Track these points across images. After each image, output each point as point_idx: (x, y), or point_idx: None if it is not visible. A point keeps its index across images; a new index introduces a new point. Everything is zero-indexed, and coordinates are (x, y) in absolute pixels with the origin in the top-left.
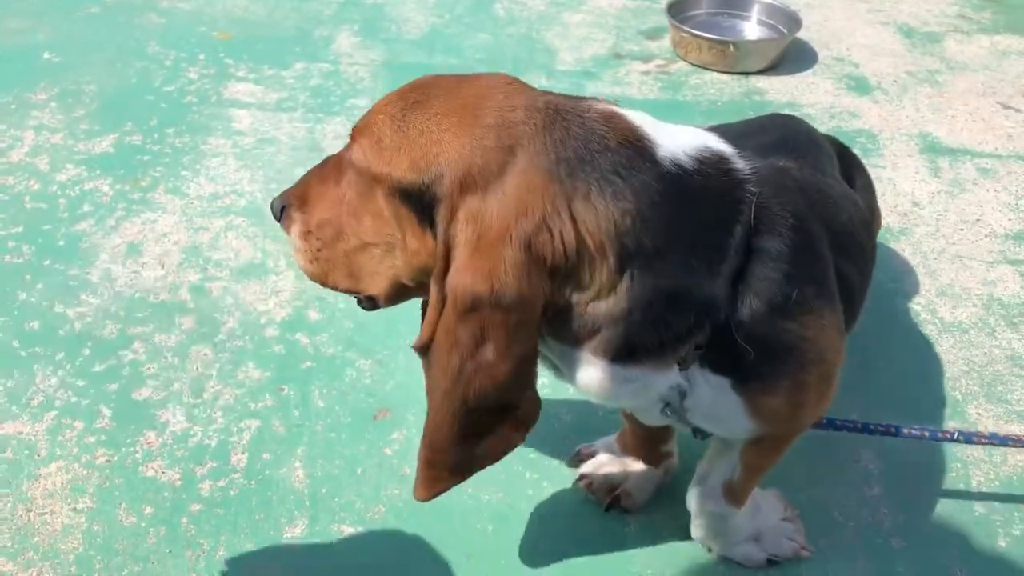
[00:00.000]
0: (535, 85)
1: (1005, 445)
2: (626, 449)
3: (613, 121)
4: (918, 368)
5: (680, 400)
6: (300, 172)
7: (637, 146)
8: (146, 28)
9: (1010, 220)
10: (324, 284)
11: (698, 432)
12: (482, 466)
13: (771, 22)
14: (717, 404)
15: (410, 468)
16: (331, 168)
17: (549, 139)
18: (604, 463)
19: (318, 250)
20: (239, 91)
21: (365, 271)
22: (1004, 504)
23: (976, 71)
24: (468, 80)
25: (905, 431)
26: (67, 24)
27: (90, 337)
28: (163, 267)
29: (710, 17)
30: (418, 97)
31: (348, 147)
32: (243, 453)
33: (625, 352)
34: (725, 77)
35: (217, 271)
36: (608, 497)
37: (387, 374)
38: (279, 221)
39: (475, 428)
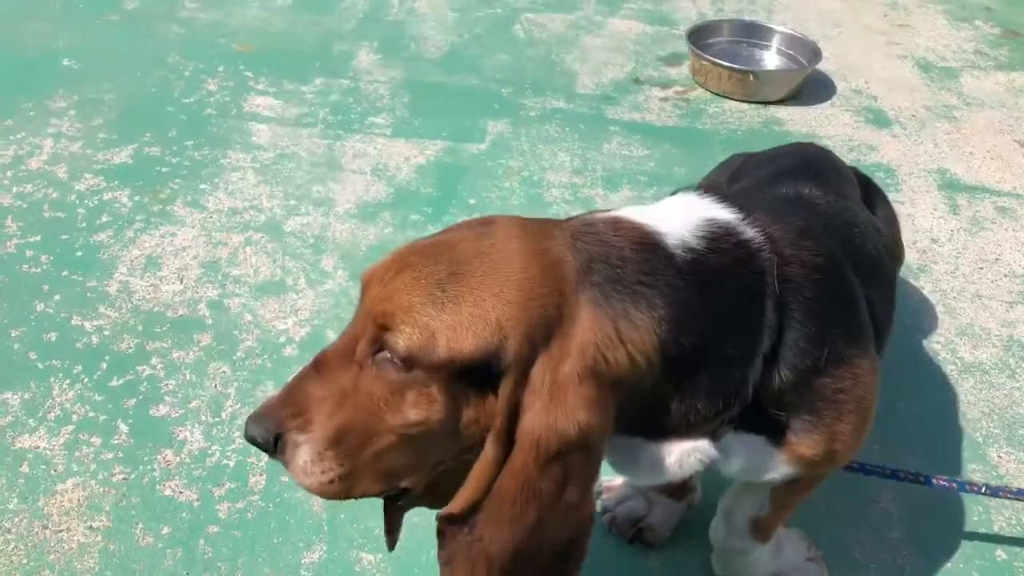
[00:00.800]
0: (554, 108)
1: (1020, 498)
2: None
3: (620, 227)
4: (939, 408)
5: (711, 463)
6: (320, 189)
7: (648, 245)
8: (166, 38)
9: (1012, 261)
10: (345, 498)
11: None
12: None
13: (791, 52)
14: (753, 458)
15: None
16: (334, 370)
17: (583, 270)
18: (627, 496)
19: (340, 465)
20: (259, 105)
21: (403, 466)
22: (1020, 548)
23: (993, 108)
24: (484, 235)
25: (935, 481)
26: (87, 31)
27: (108, 351)
28: (181, 281)
29: (730, 45)
30: (448, 269)
31: (352, 342)
32: (261, 475)
33: (658, 434)
34: (744, 106)
35: (236, 287)
36: (631, 531)
37: None
38: (271, 453)
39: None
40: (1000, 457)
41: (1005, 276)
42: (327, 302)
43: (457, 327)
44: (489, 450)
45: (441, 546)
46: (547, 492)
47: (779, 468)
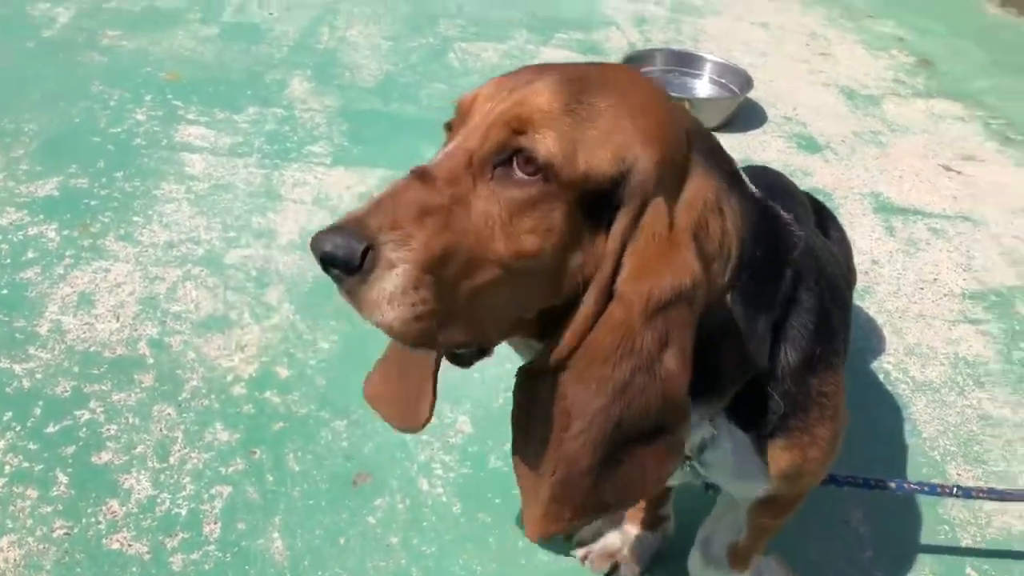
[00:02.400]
0: None
1: (1003, 499)
2: (623, 514)
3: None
4: (896, 428)
5: (699, 453)
6: (260, 220)
7: (735, 172)
8: (88, 66)
9: (964, 280)
10: (427, 345)
11: (709, 487)
12: (625, 503)
13: (722, 81)
14: (736, 459)
15: (396, 538)
16: (443, 182)
17: (696, 138)
18: (601, 529)
19: (433, 298)
20: (191, 134)
21: (498, 312)
22: (992, 563)
23: (916, 134)
24: (611, 67)
25: (906, 486)
26: (2, 59)
27: (41, 395)
28: (118, 319)
29: (663, 74)
30: (583, 84)
31: (466, 154)
32: (216, 523)
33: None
34: None
35: (177, 324)
36: (606, 564)
37: (365, 436)
38: (352, 270)
39: (621, 456)
40: (959, 474)
41: (944, 296)
42: (274, 337)
43: (596, 142)
44: (590, 299)
45: (519, 405)
46: (646, 350)
47: (759, 475)
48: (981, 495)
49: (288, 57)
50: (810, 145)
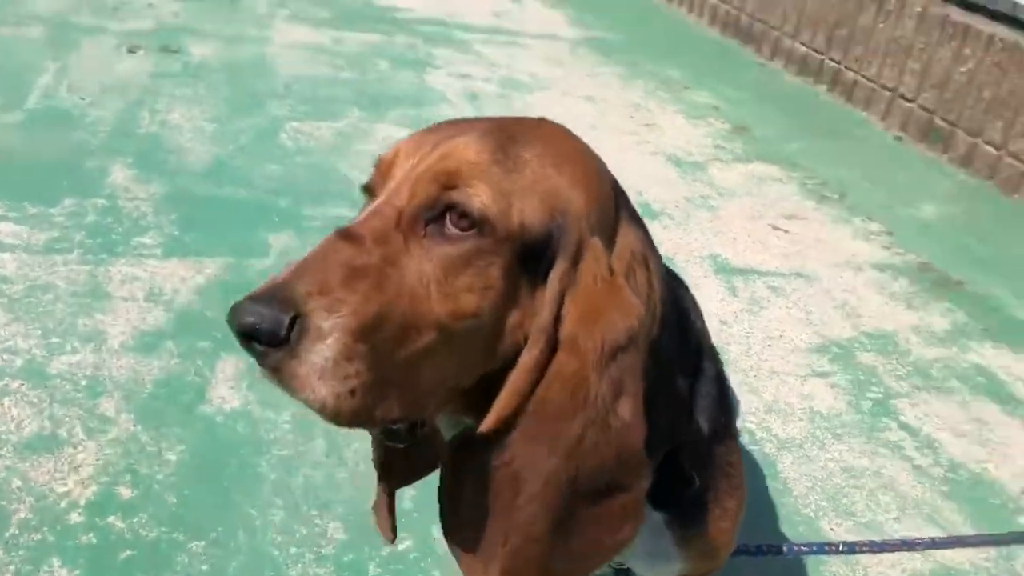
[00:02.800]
0: (339, 216)
1: (883, 551)
2: None
3: None
4: (767, 487)
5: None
6: (87, 322)
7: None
8: None
9: (807, 334)
10: (363, 423)
11: (619, 573)
12: (582, 570)
13: None
14: (650, 540)
15: None
16: (371, 241)
17: (625, 199)
18: None
19: (368, 369)
20: None
21: (434, 379)
22: None
23: (742, 196)
24: (533, 120)
25: (796, 548)
26: None
27: None
28: None
29: None
30: (507, 134)
31: (394, 211)
32: None
33: None
34: None
35: None
36: None
37: (227, 556)
38: (276, 344)
39: (577, 519)
40: (833, 529)
41: (792, 351)
42: (113, 453)
43: (527, 191)
44: (532, 353)
45: (453, 478)
46: (601, 401)
47: (673, 553)
48: (864, 548)
49: (106, 143)
50: (647, 212)
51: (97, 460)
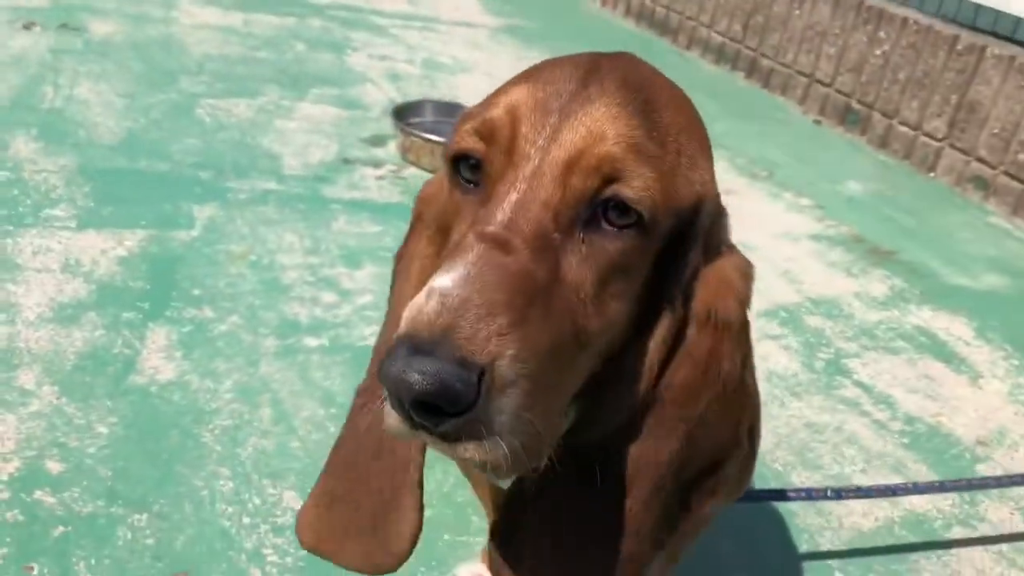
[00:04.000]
0: (266, 190)
1: (869, 496)
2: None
3: None
4: None
5: None
6: None
7: None
8: None
9: (756, 300)
10: (531, 470)
11: None
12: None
13: None
14: None
15: None
16: (529, 251)
17: None
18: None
19: (541, 413)
20: None
21: (567, 399)
22: (854, 563)
23: None
24: (640, 66)
25: (790, 493)
26: None
27: None
28: None
29: (435, 124)
30: (646, 97)
31: (545, 211)
32: None
33: None
34: None
35: None
36: None
37: (173, 528)
38: (469, 404)
39: (681, 503)
40: (802, 482)
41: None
42: (37, 426)
43: (678, 170)
44: (663, 331)
45: (558, 498)
46: (730, 377)
47: None
48: (850, 495)
49: (6, 116)
50: None
51: (19, 434)
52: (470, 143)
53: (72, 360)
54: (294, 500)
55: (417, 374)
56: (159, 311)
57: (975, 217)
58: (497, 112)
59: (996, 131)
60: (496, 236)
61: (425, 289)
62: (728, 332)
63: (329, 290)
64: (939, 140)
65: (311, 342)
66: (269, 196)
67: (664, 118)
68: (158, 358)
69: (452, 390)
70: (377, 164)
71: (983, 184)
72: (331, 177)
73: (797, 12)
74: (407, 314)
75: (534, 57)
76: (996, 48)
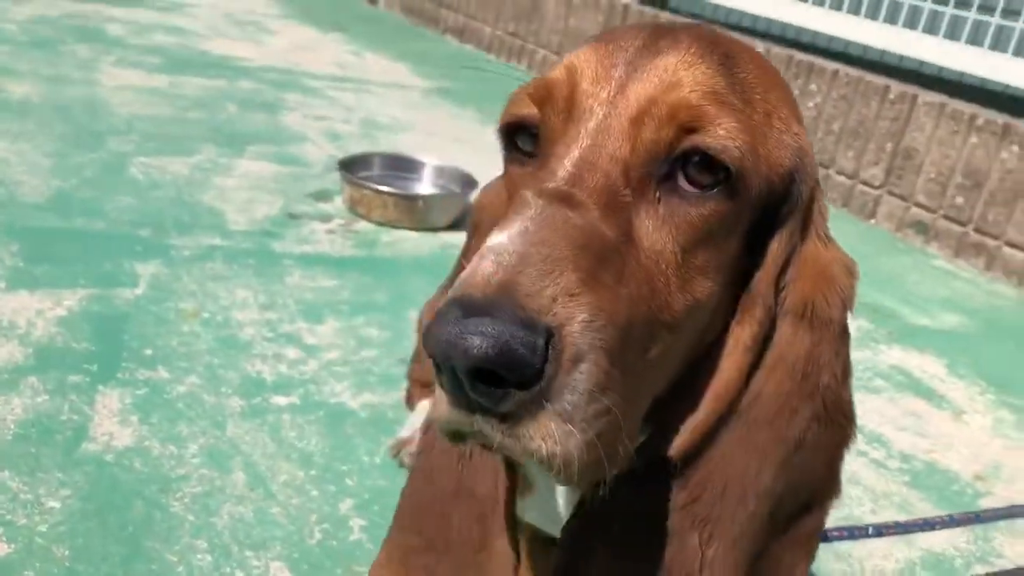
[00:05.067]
0: (212, 246)
1: (909, 532)
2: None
3: None
4: None
5: None
6: None
7: None
8: None
9: None
10: (599, 477)
11: None
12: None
13: (442, 182)
14: None
15: None
16: (597, 208)
17: None
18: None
19: (621, 399)
20: None
21: (650, 396)
22: None
23: None
24: (712, 31)
25: (832, 533)
26: None
27: None
28: None
29: (383, 178)
30: (725, 50)
31: (617, 165)
32: None
33: None
34: (414, 234)
35: None
36: None
37: None
38: (534, 373)
39: (764, 556)
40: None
41: None
42: None
43: (768, 130)
44: (751, 327)
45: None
46: (831, 390)
47: None
48: (889, 531)
49: None
50: None
51: None
52: (522, 109)
53: (13, 429)
54: (281, 571)
55: (474, 335)
56: (109, 373)
57: (920, 260)
58: (555, 73)
59: (932, 176)
60: (558, 191)
61: (478, 253)
62: (828, 333)
63: (292, 346)
64: (877, 187)
65: (280, 400)
66: (216, 252)
67: (749, 75)
68: (112, 423)
69: (515, 354)
70: (325, 218)
71: (923, 228)
72: (279, 232)
73: None
74: (460, 279)
75: (469, 117)
76: (927, 96)
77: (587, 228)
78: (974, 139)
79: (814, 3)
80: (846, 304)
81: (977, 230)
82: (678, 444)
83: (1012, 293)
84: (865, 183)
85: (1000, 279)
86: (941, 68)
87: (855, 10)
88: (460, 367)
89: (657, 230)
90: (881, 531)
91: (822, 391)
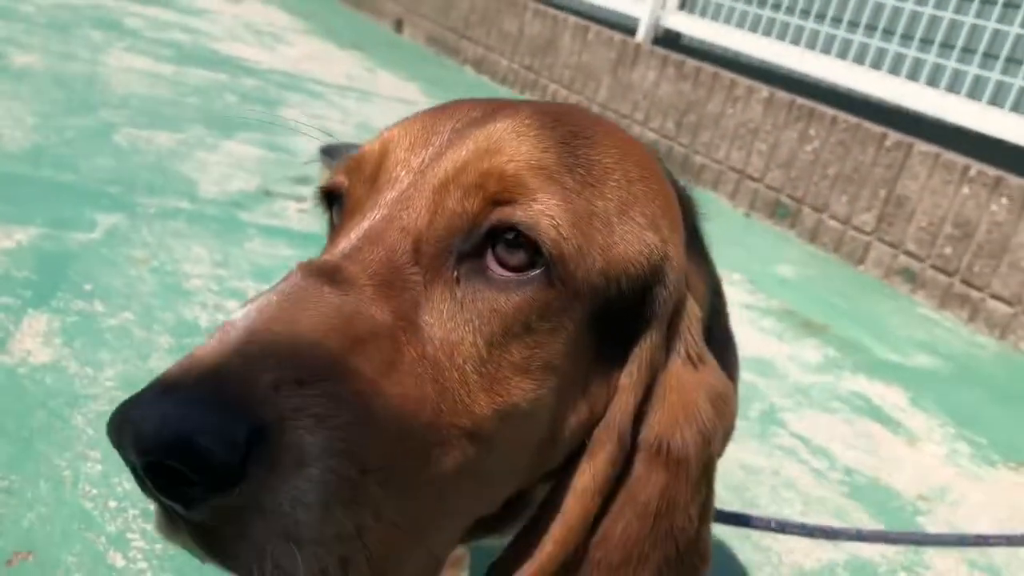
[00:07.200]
0: (177, 208)
1: (837, 539)
2: None
3: None
4: None
5: None
6: None
7: None
8: None
9: None
10: None
11: None
12: None
13: None
14: None
15: None
16: (370, 288)
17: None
18: None
19: (374, 518)
20: None
21: (457, 512)
22: None
23: None
24: (587, 114)
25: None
26: None
27: None
28: None
29: None
30: (568, 127)
31: (407, 239)
32: None
33: None
34: None
35: None
36: None
37: (23, 505)
38: (232, 472)
39: None
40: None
41: None
42: None
43: (616, 219)
44: (599, 461)
45: None
46: (686, 534)
47: None
48: (794, 531)
49: None
50: None
51: None
52: (336, 177)
53: None
54: None
55: (147, 418)
56: (42, 300)
57: (904, 307)
58: (377, 140)
59: (923, 225)
60: (324, 265)
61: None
62: (685, 472)
63: (235, 299)
64: (868, 234)
65: None
66: (180, 213)
67: (604, 159)
68: (34, 342)
69: (194, 444)
70: (300, 199)
71: (911, 277)
72: (249, 205)
73: (731, 111)
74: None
75: None
76: (923, 146)
77: (346, 308)
78: (966, 190)
79: (821, 51)
80: (708, 440)
81: (963, 281)
82: (539, 561)
83: (992, 345)
84: (856, 228)
85: (982, 331)
86: (938, 119)
87: (859, 59)
88: (130, 455)
89: (453, 317)
90: (812, 531)
91: (676, 533)
